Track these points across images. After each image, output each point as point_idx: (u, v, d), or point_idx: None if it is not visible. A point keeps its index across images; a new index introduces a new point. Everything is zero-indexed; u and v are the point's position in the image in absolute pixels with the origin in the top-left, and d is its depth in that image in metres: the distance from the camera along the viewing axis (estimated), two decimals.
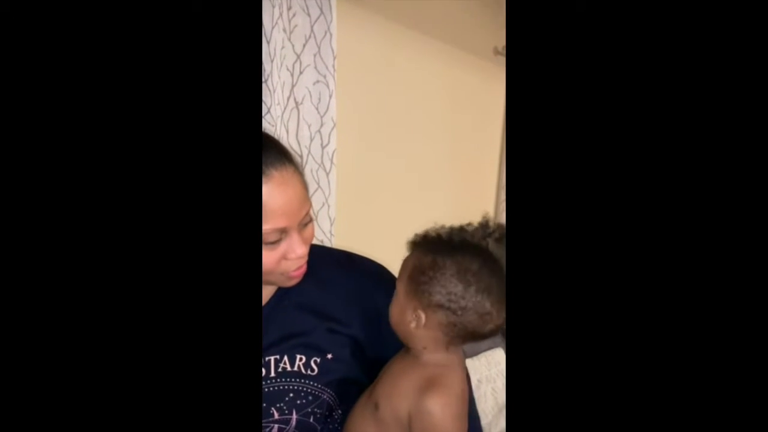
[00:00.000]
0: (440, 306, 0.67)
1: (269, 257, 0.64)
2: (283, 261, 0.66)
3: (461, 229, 0.73)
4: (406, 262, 0.73)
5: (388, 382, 0.71)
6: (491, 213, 2.11)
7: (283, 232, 0.64)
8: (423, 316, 0.68)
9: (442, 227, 0.73)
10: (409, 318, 0.68)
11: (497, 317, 0.67)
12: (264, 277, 0.67)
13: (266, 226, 0.61)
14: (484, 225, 0.72)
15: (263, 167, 0.61)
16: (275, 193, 0.61)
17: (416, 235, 0.74)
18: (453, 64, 1.67)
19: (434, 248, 0.69)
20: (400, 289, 0.71)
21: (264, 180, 0.61)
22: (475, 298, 0.66)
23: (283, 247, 0.65)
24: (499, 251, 0.69)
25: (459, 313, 0.66)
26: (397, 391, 0.68)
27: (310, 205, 0.67)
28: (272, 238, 0.63)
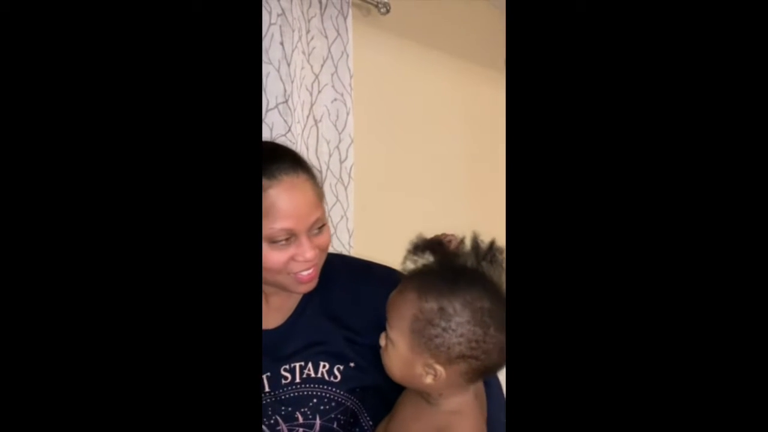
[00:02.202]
0: (462, 357, 0.60)
1: (277, 257, 0.68)
2: (291, 262, 0.69)
3: (454, 255, 0.64)
4: (398, 306, 0.63)
5: (401, 427, 0.67)
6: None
7: (292, 234, 0.68)
8: (441, 370, 0.60)
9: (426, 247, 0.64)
10: (421, 372, 0.61)
11: None
12: (273, 277, 0.70)
13: (274, 226, 0.66)
14: (475, 247, 0.64)
15: (275, 173, 0.67)
16: (283, 196, 0.66)
17: (406, 267, 0.65)
18: (467, 79, 1.71)
19: (433, 289, 0.60)
20: (400, 342, 0.62)
21: (274, 184, 0.66)
22: (496, 338, 0.60)
23: (291, 249, 0.68)
24: (495, 273, 0.63)
25: (482, 357, 0.60)
26: None
27: (323, 213, 0.71)
28: (280, 237, 0.67)
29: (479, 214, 1.83)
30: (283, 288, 0.74)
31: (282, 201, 0.66)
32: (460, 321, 0.59)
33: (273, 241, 0.67)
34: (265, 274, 0.70)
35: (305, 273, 0.71)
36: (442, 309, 0.60)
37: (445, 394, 0.64)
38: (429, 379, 0.61)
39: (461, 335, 0.59)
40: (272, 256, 0.68)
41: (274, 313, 0.77)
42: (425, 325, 0.60)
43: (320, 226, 0.71)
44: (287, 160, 0.70)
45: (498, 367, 0.64)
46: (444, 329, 0.59)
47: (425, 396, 0.65)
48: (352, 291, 0.79)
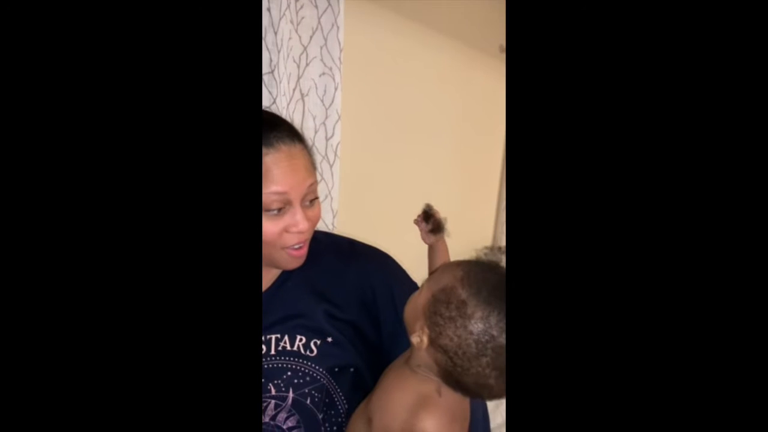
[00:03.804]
0: (444, 351, 0.58)
1: (271, 227, 0.66)
2: (284, 233, 0.68)
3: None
4: (444, 270, 0.63)
5: (383, 395, 0.65)
6: (494, 209, 2.11)
7: (286, 202, 0.66)
8: (425, 341, 0.60)
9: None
10: (416, 329, 0.62)
11: (497, 392, 0.58)
12: (265, 251, 0.69)
13: (267, 190, 0.64)
14: None
15: (272, 141, 0.65)
16: (279, 164, 0.65)
17: (483, 248, 0.64)
18: (459, 60, 1.68)
19: (475, 283, 0.58)
20: (423, 294, 0.63)
21: (271, 152, 0.65)
22: (482, 370, 0.56)
23: (286, 219, 0.67)
24: None
25: (458, 370, 0.58)
26: (391, 405, 0.63)
27: (315, 183, 0.69)
28: (275, 205, 0.65)
29: (468, 198, 1.81)
30: (272, 263, 0.72)
31: (278, 168, 0.65)
32: (467, 327, 0.56)
33: (266, 210, 0.66)
34: None
35: (297, 248, 0.69)
36: (464, 303, 0.57)
37: (423, 370, 0.63)
38: (416, 339, 0.62)
39: (457, 336, 0.57)
40: (265, 227, 0.66)
41: None
42: (442, 302, 0.59)
43: (312, 198, 0.70)
44: (284, 129, 0.68)
45: (468, 392, 0.60)
46: (450, 318, 0.58)
47: (411, 363, 0.65)
48: (337, 266, 0.78)
